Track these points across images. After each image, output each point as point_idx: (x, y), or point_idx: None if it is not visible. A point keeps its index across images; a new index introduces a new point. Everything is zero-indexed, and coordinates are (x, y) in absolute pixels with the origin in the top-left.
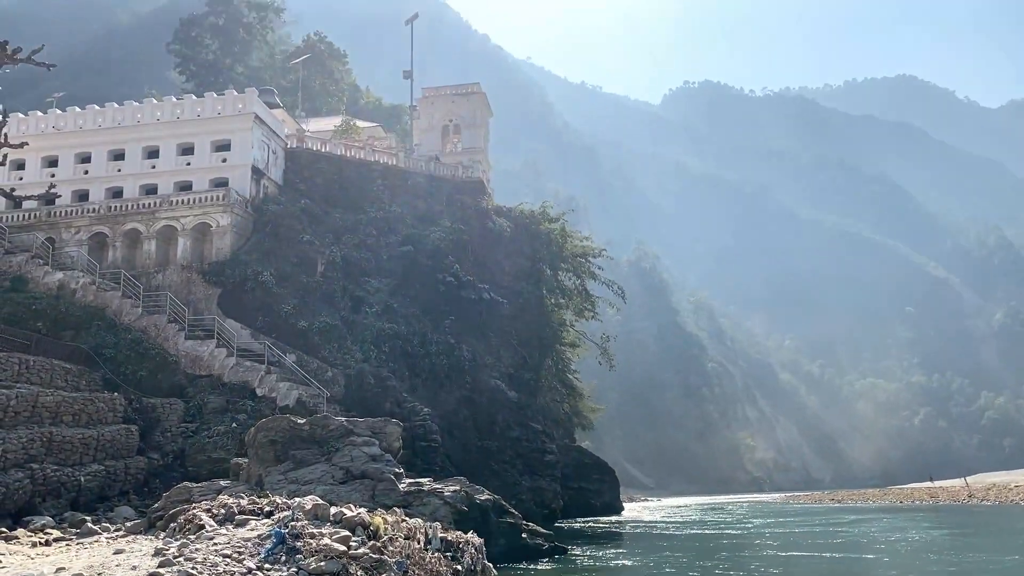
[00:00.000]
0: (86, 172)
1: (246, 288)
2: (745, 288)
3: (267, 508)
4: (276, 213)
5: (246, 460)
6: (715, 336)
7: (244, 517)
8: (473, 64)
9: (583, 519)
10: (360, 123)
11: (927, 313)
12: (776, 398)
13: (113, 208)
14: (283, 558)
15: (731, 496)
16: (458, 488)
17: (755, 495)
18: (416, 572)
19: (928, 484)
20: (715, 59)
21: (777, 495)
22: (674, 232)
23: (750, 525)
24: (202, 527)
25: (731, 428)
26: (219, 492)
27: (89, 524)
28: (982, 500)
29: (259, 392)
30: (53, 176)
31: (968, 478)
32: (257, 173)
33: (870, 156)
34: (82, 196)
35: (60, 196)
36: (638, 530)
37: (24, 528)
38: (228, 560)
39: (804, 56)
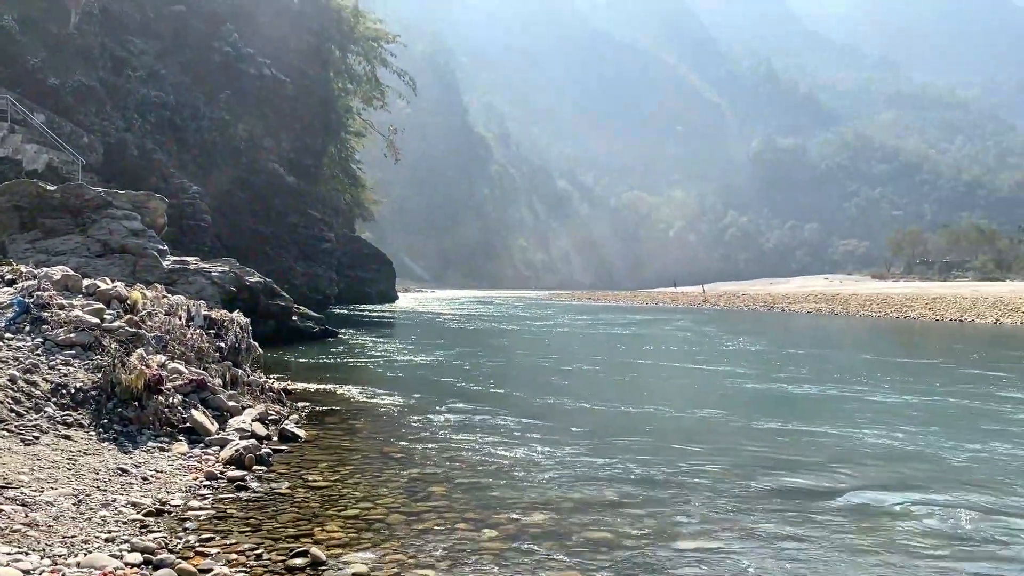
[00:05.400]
0: None
1: None
2: (534, 95)
3: (8, 276)
4: None
5: None
6: (501, 140)
7: None
8: None
9: (358, 306)
10: None
11: (695, 134)
12: (551, 204)
13: None
14: (27, 328)
15: (501, 291)
16: (227, 269)
17: (522, 291)
18: (176, 347)
19: (672, 289)
20: None
21: (542, 292)
22: (471, 29)
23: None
24: None
25: (508, 229)
26: None
27: None
28: (713, 305)
29: (0, 153)
30: None
31: (705, 286)
32: None
33: None
34: None
35: None
36: (408, 318)
37: None
38: None
39: None
